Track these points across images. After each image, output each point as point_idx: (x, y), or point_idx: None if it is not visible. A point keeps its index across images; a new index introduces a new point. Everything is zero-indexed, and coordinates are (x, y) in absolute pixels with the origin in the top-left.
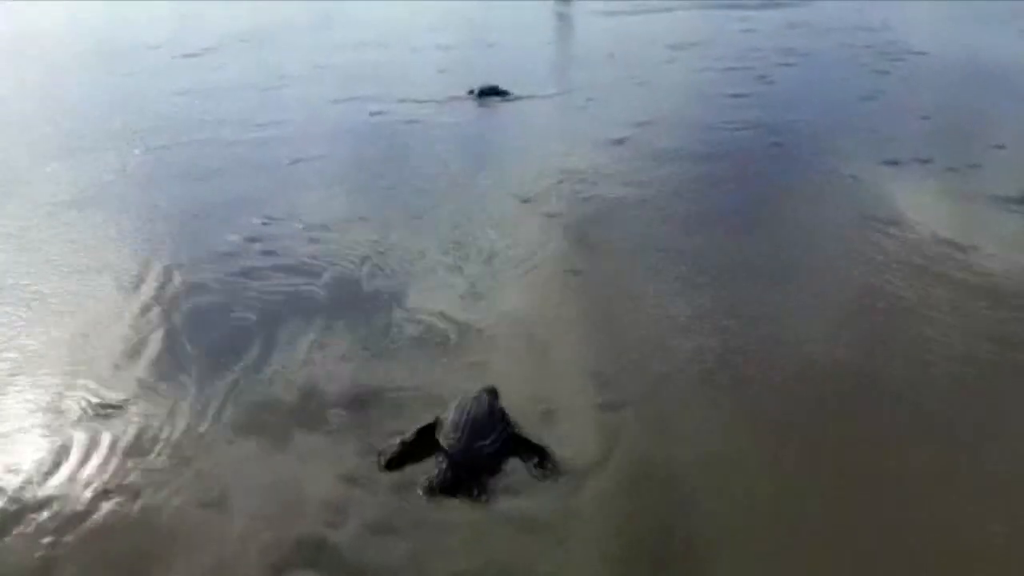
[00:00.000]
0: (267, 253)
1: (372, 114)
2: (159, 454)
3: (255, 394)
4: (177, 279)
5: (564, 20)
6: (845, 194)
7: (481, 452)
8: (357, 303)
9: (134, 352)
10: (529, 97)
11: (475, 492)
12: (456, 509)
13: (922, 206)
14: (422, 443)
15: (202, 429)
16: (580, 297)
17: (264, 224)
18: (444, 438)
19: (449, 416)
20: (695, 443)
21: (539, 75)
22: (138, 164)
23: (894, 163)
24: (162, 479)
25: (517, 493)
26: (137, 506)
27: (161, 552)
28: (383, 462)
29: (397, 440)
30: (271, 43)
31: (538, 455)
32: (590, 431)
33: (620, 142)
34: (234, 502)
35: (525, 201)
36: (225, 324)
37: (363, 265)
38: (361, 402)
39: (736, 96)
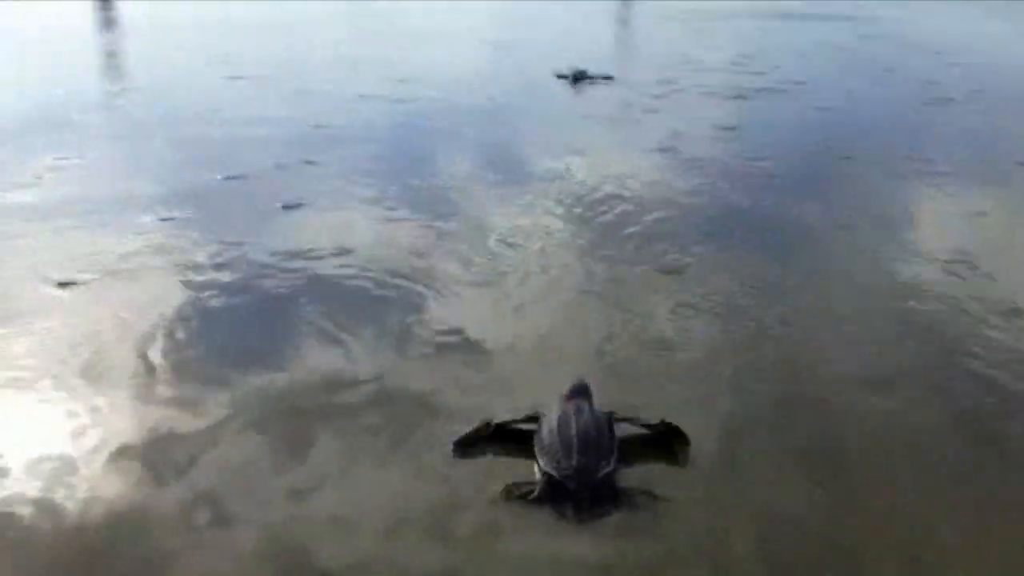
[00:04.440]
0: None
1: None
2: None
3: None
4: None
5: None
6: None
7: (601, 478)
8: None
9: None
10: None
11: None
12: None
13: None
14: (502, 438)
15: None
16: None
17: None
18: (553, 464)
19: (551, 431)
20: None
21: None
22: None
23: None
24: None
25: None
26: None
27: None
28: (452, 445)
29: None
30: None
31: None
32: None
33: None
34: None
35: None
36: None
37: None
38: None
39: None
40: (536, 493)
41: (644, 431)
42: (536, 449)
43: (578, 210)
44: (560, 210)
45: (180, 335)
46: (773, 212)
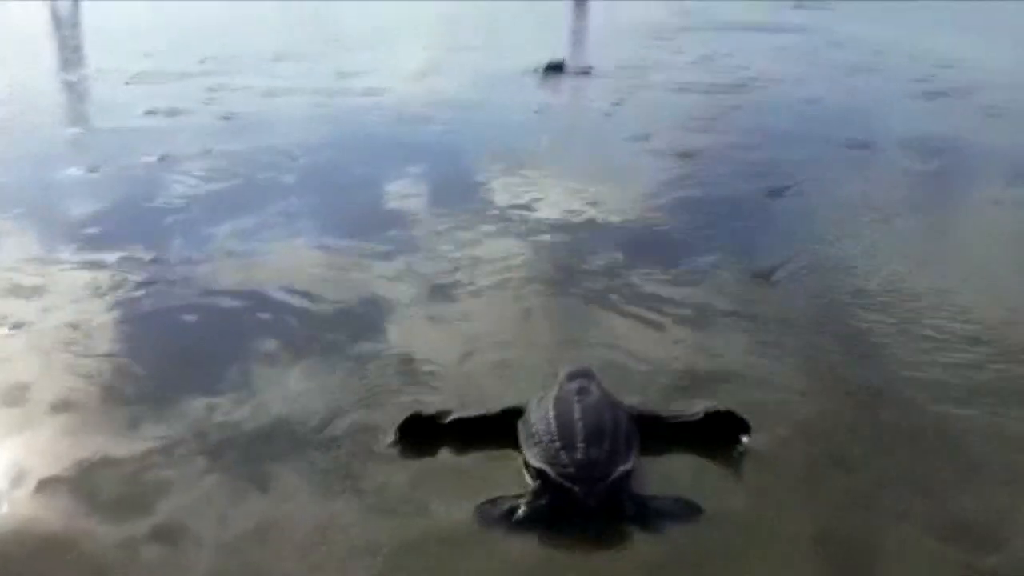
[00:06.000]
0: None
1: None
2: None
3: None
4: None
5: None
6: None
7: (617, 480)
8: None
9: None
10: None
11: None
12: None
13: None
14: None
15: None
16: None
17: None
18: (548, 458)
19: (545, 416)
20: None
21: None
22: None
23: None
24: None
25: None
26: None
27: None
28: (396, 431)
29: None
30: None
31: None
32: None
33: None
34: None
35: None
36: None
37: None
38: None
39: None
40: (523, 510)
41: (683, 421)
42: (523, 442)
43: None
44: None
45: None
46: None
